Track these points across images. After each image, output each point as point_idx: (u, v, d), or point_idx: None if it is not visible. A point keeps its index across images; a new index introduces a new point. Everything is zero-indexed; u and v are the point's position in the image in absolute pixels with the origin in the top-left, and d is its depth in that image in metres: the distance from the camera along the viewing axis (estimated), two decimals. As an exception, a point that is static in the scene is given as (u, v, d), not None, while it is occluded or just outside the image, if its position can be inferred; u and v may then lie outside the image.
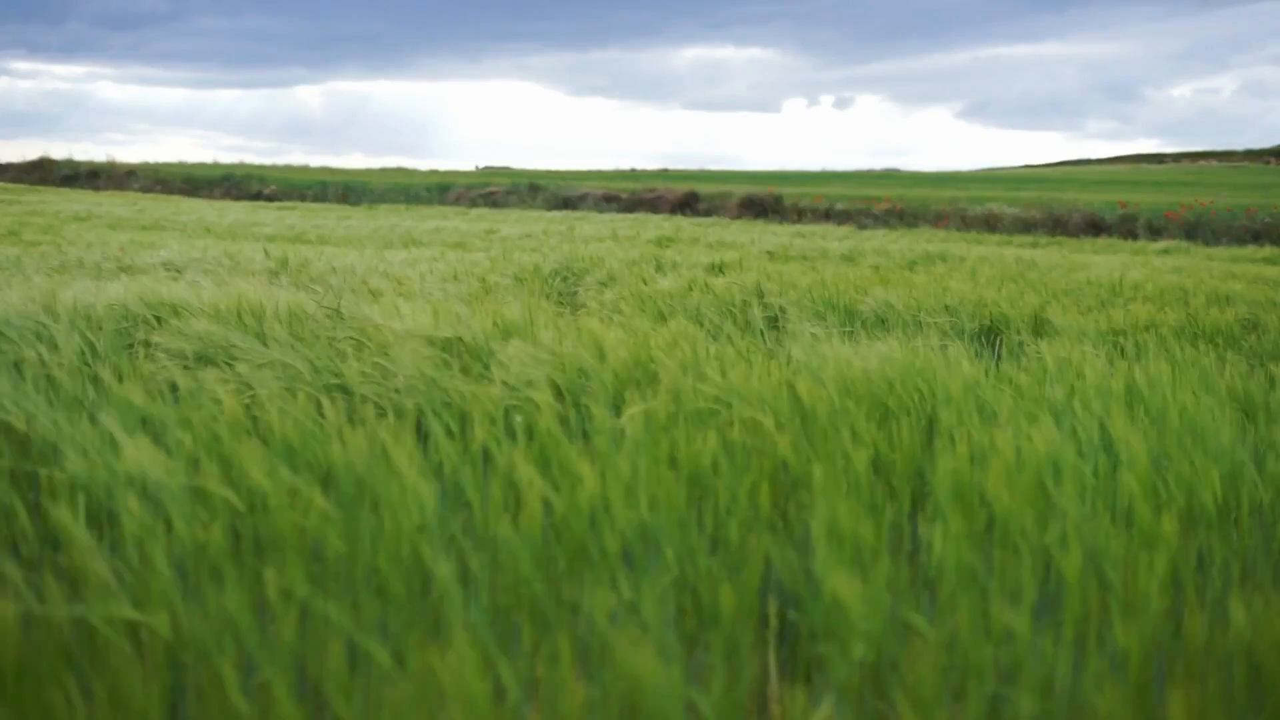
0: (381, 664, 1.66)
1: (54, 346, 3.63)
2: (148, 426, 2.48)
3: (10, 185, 35.70)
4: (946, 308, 6.78)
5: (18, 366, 3.17)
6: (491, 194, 32.76)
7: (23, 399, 2.62)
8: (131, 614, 1.68)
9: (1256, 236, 20.73)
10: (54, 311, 3.96)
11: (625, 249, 12.08)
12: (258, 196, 35.20)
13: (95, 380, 3.04)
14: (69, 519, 1.73)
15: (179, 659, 1.73)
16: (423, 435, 2.77)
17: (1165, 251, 17.09)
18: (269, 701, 1.61)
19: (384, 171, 46.55)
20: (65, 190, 35.16)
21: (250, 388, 3.18)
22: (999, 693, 1.73)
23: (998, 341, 5.89)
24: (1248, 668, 1.72)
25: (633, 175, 44.49)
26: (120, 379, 2.84)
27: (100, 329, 3.89)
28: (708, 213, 27.91)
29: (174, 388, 3.18)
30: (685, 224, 22.11)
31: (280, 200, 33.94)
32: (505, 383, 3.23)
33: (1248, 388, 3.61)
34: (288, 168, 48.48)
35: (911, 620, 1.77)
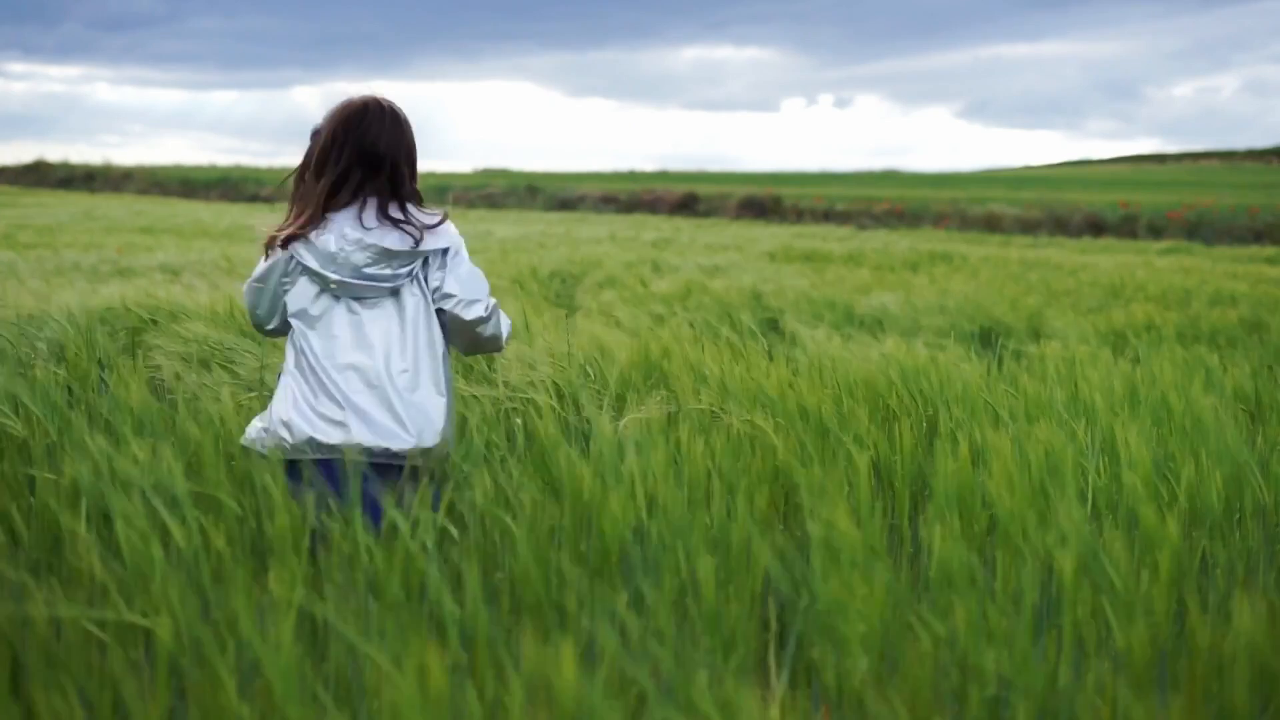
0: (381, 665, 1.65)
1: (52, 351, 3.62)
2: (149, 429, 2.47)
3: (6, 188, 35.68)
4: (946, 309, 6.77)
5: (20, 370, 3.16)
6: (489, 195, 32.75)
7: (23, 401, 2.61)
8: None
9: (1258, 236, 20.67)
10: (50, 316, 3.95)
11: (624, 251, 12.08)
12: (255, 199, 35.19)
13: (97, 386, 3.03)
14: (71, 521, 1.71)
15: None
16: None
17: (1167, 251, 17.05)
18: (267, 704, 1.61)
19: (382, 173, 46.41)
20: (61, 193, 35.13)
21: (251, 390, 3.17)
22: (998, 695, 1.72)
23: (997, 343, 5.88)
24: (1251, 669, 1.71)
25: (631, 176, 44.46)
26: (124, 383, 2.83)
27: (96, 333, 3.88)
28: (707, 214, 27.88)
29: (171, 389, 3.17)
30: (684, 225, 22.09)
31: (278, 202, 33.92)
32: (505, 383, 3.23)
33: (1256, 387, 3.60)
34: (285, 169, 48.42)
35: (911, 623, 1.76)
